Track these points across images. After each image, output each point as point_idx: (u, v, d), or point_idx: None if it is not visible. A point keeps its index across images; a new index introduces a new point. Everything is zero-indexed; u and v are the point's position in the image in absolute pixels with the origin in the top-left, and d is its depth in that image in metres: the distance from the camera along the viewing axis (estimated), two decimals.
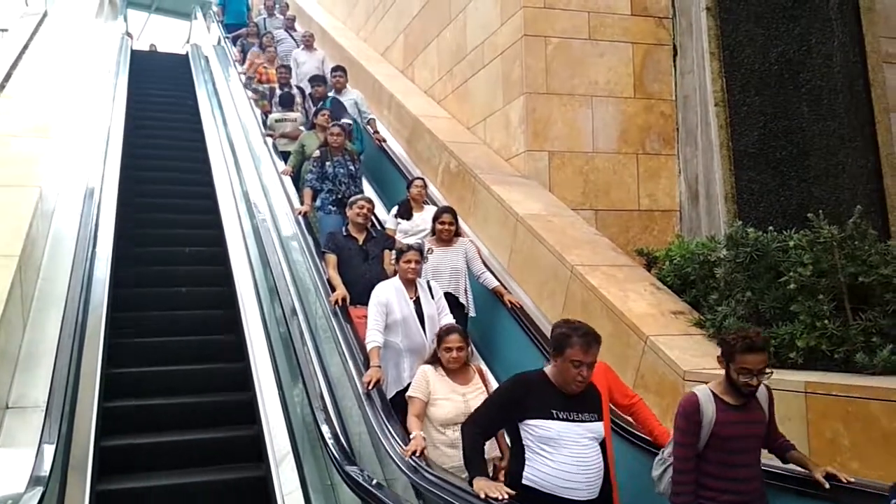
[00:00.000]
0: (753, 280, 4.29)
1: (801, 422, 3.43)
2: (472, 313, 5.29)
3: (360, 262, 5.17)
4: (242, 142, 8.52)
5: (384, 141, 8.29)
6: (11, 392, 3.95)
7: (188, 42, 15.59)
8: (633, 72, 6.73)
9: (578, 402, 2.89)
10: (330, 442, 3.65)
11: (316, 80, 8.86)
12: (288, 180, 7.12)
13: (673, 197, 6.65)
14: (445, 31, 8.30)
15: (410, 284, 4.55)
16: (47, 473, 2.95)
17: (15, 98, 6.67)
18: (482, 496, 2.62)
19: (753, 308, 4.20)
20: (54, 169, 5.87)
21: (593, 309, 4.78)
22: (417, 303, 4.49)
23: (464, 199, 6.66)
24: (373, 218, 5.74)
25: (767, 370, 2.83)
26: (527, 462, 2.84)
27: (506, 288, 5.42)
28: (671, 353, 4.23)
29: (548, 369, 2.98)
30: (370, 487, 3.16)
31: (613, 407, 3.61)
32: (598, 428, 2.92)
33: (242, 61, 10.91)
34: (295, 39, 11.05)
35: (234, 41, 12.08)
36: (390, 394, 4.24)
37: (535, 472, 2.81)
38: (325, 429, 3.79)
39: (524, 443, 2.87)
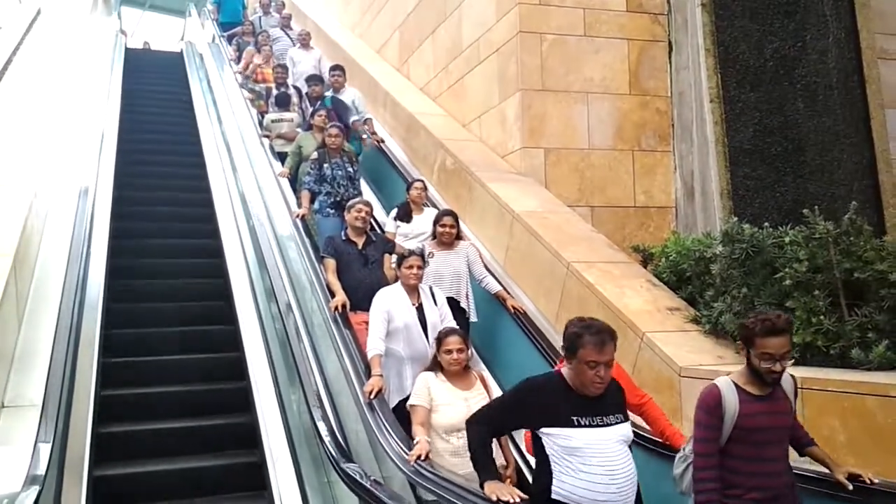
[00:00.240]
0: (749, 276, 4.31)
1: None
2: (473, 318, 5.20)
3: (360, 267, 5.06)
4: (238, 141, 8.46)
5: (382, 141, 8.15)
6: (7, 390, 3.93)
7: (182, 39, 15.55)
8: (629, 68, 6.73)
9: (601, 404, 2.66)
10: (327, 439, 3.62)
11: (312, 79, 8.69)
12: (285, 182, 7.03)
13: (669, 193, 6.66)
14: (441, 27, 8.28)
15: (413, 290, 4.44)
16: (43, 472, 2.93)
17: (8, 95, 6.63)
18: (494, 499, 2.49)
19: (749, 304, 4.19)
20: (49, 166, 5.83)
21: (589, 305, 4.78)
22: (420, 309, 4.39)
23: (460, 197, 6.65)
24: (372, 220, 5.69)
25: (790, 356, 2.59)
26: (554, 475, 2.61)
27: (508, 291, 5.34)
28: (667, 350, 4.25)
29: (564, 371, 2.75)
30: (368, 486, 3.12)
31: None
32: (627, 430, 2.69)
33: (238, 60, 10.72)
34: (291, 38, 10.96)
35: (229, 40, 11.93)
36: (393, 402, 4.12)
37: (564, 486, 2.58)
38: (321, 426, 3.76)
39: (548, 453, 2.64)
